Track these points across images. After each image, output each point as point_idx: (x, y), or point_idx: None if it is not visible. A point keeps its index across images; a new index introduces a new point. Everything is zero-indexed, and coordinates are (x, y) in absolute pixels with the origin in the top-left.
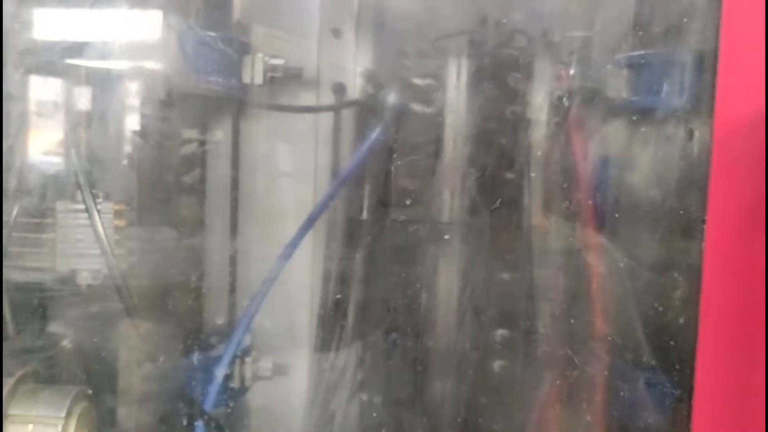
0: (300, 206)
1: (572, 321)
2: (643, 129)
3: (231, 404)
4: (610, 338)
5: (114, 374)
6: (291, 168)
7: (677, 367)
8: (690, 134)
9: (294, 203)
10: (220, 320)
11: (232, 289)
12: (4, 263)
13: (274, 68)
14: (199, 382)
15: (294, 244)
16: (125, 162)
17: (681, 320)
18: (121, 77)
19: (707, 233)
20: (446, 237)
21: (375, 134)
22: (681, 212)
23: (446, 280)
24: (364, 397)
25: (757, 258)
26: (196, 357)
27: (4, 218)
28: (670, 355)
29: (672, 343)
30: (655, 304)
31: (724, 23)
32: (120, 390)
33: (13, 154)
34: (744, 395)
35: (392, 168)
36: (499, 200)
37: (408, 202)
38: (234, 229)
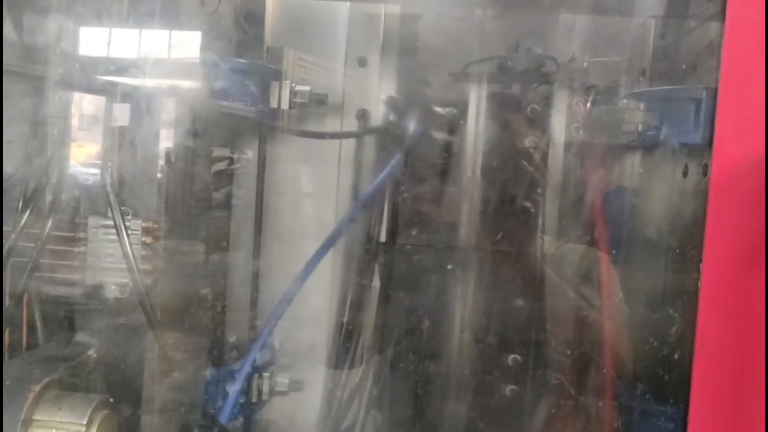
0: (322, 226)
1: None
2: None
3: (247, 417)
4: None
5: (136, 384)
6: (314, 189)
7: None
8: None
9: (316, 223)
10: (241, 336)
11: (254, 305)
12: (36, 274)
13: (300, 94)
14: (216, 394)
15: (311, 265)
16: (154, 180)
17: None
18: (152, 98)
19: (704, 271)
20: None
21: (395, 160)
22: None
23: (461, 305)
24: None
25: (753, 296)
26: (215, 370)
27: (38, 232)
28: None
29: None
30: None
31: (723, 66)
32: (140, 400)
33: (48, 172)
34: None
35: (411, 193)
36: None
37: (424, 227)
38: (258, 247)
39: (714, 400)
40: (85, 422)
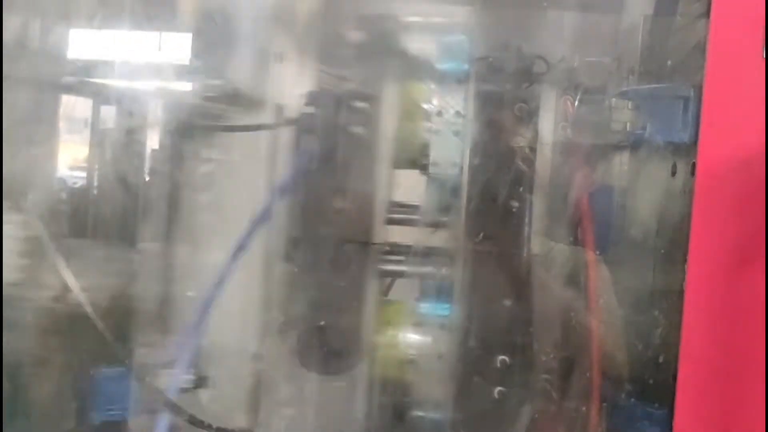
0: (241, 224)
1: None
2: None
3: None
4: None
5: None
6: (232, 185)
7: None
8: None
9: (235, 220)
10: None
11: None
12: None
13: (211, 88)
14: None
15: (228, 266)
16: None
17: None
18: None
19: (689, 272)
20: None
21: (307, 154)
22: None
23: None
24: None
25: (738, 297)
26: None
27: None
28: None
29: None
30: None
31: (708, 64)
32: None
33: None
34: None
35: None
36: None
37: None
38: (173, 246)
39: (699, 403)
40: None
